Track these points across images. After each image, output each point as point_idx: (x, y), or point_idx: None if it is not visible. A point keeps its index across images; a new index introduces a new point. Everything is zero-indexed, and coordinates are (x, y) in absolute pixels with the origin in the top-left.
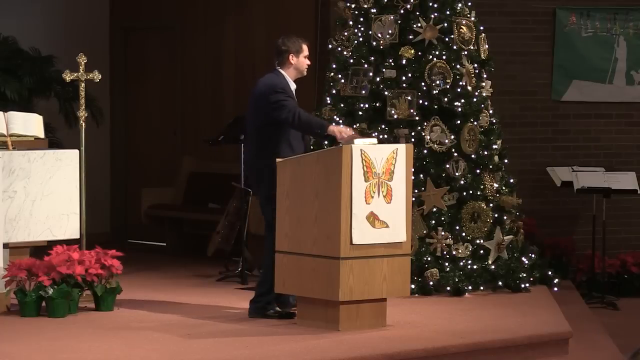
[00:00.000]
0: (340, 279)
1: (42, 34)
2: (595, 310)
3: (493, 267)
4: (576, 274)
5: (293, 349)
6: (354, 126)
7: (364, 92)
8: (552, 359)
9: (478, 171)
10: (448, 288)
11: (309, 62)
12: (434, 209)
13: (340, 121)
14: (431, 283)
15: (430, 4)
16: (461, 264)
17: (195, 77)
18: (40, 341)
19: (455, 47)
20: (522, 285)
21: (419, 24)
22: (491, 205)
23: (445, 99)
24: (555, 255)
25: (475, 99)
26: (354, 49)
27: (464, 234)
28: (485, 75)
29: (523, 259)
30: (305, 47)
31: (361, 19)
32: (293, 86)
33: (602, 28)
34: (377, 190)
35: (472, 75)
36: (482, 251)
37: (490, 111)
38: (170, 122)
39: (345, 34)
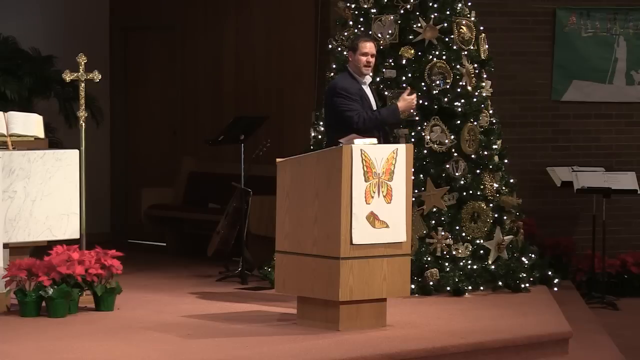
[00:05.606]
0: (340, 279)
1: (42, 34)
2: (595, 310)
3: (493, 267)
4: (576, 274)
5: (293, 349)
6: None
7: None
8: (552, 359)
9: (478, 171)
10: (448, 288)
11: (367, 59)
12: (434, 209)
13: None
14: (431, 283)
15: (430, 4)
16: (461, 264)
17: (195, 77)
18: (40, 341)
19: (455, 47)
20: (522, 285)
21: (419, 24)
22: (491, 205)
23: (445, 99)
24: (555, 255)
25: (475, 99)
26: None
27: (464, 234)
28: (485, 75)
29: (523, 259)
30: (362, 45)
31: (361, 19)
32: (364, 82)
33: (602, 28)
34: (377, 190)
35: (472, 75)
36: (482, 251)
37: (490, 111)
38: (170, 122)
39: (345, 34)
